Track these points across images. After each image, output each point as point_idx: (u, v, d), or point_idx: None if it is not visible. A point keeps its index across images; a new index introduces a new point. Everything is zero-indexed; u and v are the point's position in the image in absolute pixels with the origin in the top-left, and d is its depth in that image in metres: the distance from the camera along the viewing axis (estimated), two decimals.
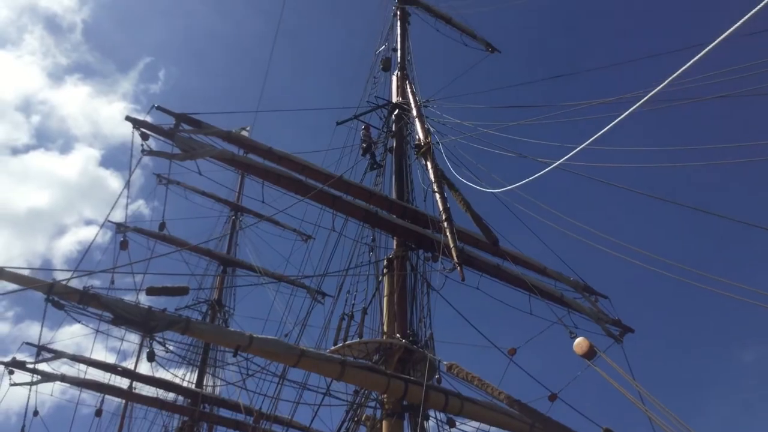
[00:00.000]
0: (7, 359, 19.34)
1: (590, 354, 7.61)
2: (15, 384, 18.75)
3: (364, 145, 16.06)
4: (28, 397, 17.89)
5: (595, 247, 9.62)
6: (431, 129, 14.41)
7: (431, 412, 11.36)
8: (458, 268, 10.69)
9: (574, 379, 11.49)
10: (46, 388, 19.64)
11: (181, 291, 11.55)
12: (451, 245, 11.02)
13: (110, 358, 22.76)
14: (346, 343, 11.99)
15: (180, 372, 24.86)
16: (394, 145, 15.78)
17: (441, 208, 11.77)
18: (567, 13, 57.94)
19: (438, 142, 13.60)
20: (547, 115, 11.89)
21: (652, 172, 9.79)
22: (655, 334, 46.09)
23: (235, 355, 10.59)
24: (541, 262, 14.34)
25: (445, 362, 11.07)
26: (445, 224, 11.47)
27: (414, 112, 14.80)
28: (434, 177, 12.38)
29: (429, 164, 12.70)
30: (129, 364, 25.07)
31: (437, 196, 12.02)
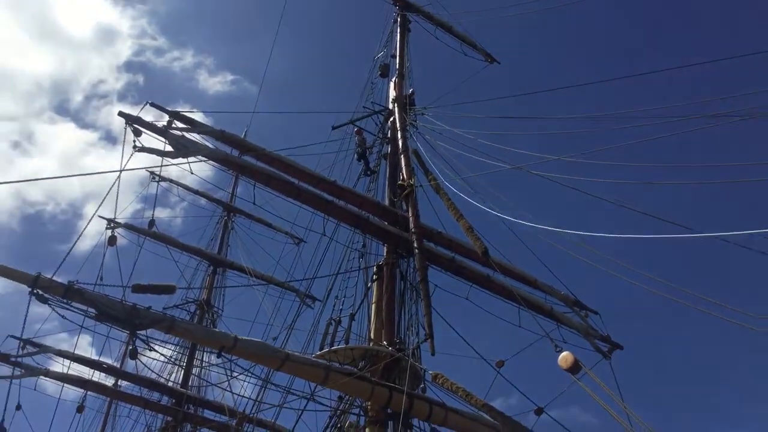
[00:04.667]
0: None
1: (575, 369, 7.55)
2: None
3: (359, 150, 16.03)
4: (9, 391, 17.68)
5: (587, 262, 9.59)
6: (425, 138, 14.49)
7: (415, 421, 11.25)
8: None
9: (561, 394, 11.36)
10: (29, 382, 19.39)
11: (168, 289, 11.46)
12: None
13: (95, 356, 22.57)
14: (332, 348, 11.90)
15: (165, 372, 24.64)
16: (389, 151, 15.74)
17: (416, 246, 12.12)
18: (563, 26, 58.16)
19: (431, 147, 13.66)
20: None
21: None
22: (647, 353, 45.72)
23: (219, 356, 10.49)
24: (533, 275, 14.25)
25: (430, 371, 10.97)
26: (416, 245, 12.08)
27: (400, 146, 14.78)
28: (414, 225, 12.60)
29: (410, 210, 12.95)
30: (116, 363, 24.90)
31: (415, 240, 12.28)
